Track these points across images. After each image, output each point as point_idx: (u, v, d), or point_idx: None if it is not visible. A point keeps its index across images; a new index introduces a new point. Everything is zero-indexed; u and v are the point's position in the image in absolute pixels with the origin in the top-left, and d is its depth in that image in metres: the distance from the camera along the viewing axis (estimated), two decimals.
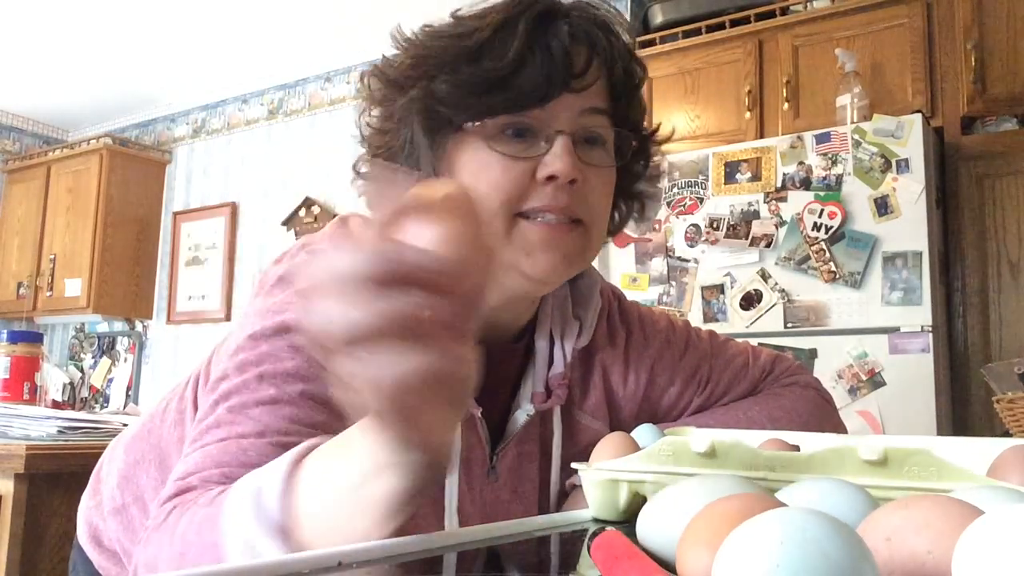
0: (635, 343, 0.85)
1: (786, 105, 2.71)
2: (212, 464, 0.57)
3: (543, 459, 0.79)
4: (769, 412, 0.83)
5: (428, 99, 0.69)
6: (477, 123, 0.68)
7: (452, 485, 0.71)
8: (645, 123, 0.81)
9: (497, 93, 0.68)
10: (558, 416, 0.79)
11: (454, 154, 0.70)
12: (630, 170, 0.79)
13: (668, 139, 0.82)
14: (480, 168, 0.69)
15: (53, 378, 4.51)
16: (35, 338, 2.60)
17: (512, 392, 0.78)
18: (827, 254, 2.33)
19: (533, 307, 0.80)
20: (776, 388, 0.88)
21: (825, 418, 0.87)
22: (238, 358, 0.64)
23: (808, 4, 2.79)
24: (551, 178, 0.67)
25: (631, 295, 0.96)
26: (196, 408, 0.81)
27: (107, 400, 4.84)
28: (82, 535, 0.89)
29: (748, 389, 0.87)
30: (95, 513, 0.88)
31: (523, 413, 0.76)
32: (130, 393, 4.77)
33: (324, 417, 0.61)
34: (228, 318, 4.43)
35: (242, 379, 0.62)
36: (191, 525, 0.52)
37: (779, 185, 2.43)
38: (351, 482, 0.43)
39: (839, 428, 0.88)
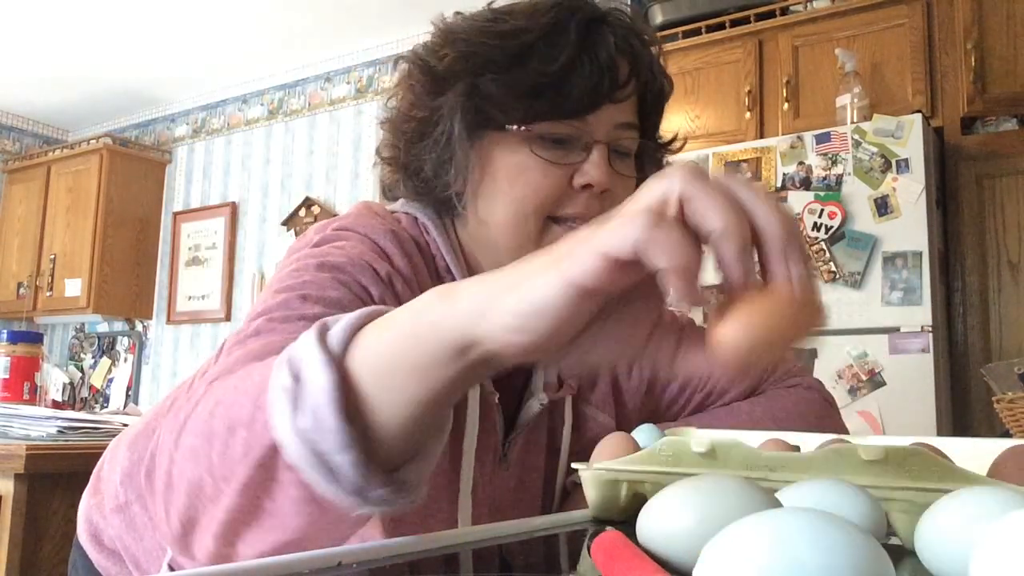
0: None
1: (786, 105, 2.71)
2: (254, 358, 0.54)
3: (550, 449, 0.80)
4: (772, 413, 0.83)
5: (474, 96, 0.70)
6: (519, 126, 0.70)
7: (468, 469, 0.71)
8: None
9: (545, 98, 0.69)
10: (569, 407, 0.80)
11: (491, 152, 0.72)
12: (646, 176, 0.80)
13: (680, 149, 0.83)
14: (519, 171, 0.70)
15: (53, 378, 4.51)
16: (35, 338, 2.61)
17: (524, 382, 0.79)
18: (827, 254, 2.33)
19: None
20: (779, 389, 0.88)
21: (828, 419, 0.87)
22: (279, 285, 0.63)
23: (808, 4, 2.79)
24: (587, 186, 0.70)
25: None
26: None
27: (107, 400, 4.84)
28: (82, 534, 0.89)
29: (750, 388, 0.88)
30: (95, 511, 0.88)
31: (536, 402, 0.77)
32: (130, 393, 4.77)
33: None
34: (228, 318, 4.43)
35: (283, 298, 0.61)
36: (233, 379, 0.49)
37: (779, 185, 2.43)
38: (420, 332, 0.41)
39: (841, 430, 0.89)
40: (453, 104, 0.71)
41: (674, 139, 0.82)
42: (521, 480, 0.78)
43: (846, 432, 0.87)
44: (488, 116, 0.70)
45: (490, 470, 0.75)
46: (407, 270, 0.69)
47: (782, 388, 0.88)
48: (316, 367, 0.41)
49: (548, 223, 0.71)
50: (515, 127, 0.70)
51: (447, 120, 0.72)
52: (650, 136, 0.77)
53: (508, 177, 0.71)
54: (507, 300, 0.37)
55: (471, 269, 0.76)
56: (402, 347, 0.41)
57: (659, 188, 0.37)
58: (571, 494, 0.80)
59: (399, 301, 0.67)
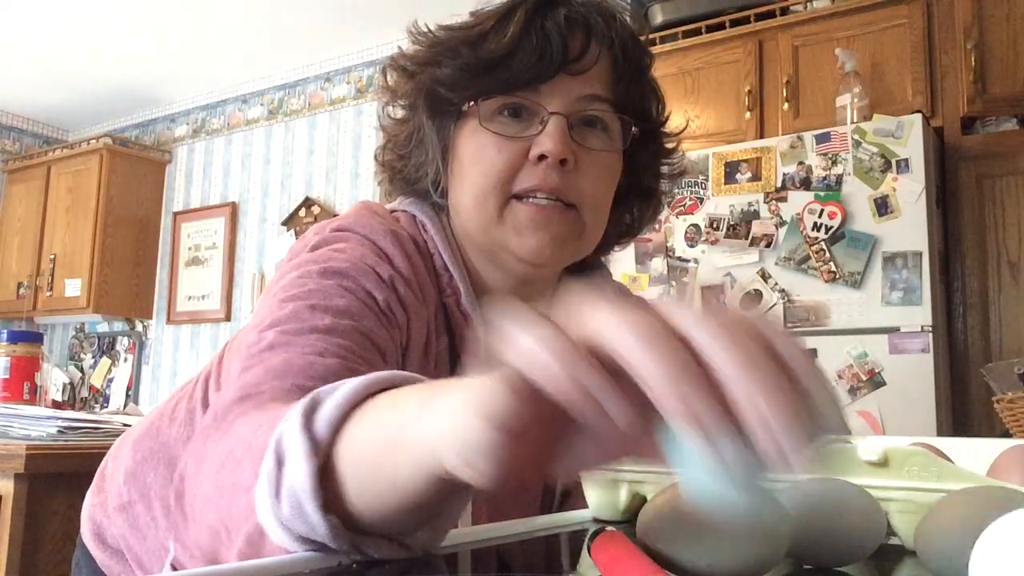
0: None
1: (786, 105, 2.71)
2: (276, 377, 0.54)
3: None
4: None
5: (432, 83, 0.72)
6: (473, 103, 0.71)
7: None
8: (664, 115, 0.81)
9: (492, 74, 0.70)
10: None
11: (456, 139, 0.73)
12: (639, 160, 0.79)
13: (681, 131, 0.82)
14: (476, 149, 0.71)
15: (53, 378, 4.51)
16: (35, 338, 2.60)
17: None
18: (827, 254, 2.33)
19: (549, 293, 0.81)
20: None
21: None
22: (284, 294, 0.62)
23: (808, 4, 2.79)
24: (542, 157, 0.69)
25: None
26: (206, 408, 0.81)
27: (107, 400, 4.84)
28: (85, 532, 0.89)
29: None
30: (99, 510, 0.88)
31: None
32: (130, 393, 4.77)
33: (374, 356, 0.61)
34: (228, 318, 4.43)
35: (292, 309, 0.61)
36: (250, 425, 0.49)
37: (779, 185, 2.43)
38: (402, 435, 0.36)
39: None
40: (416, 94, 0.74)
41: (667, 117, 0.81)
42: (522, 481, 0.77)
43: (848, 433, 0.87)
44: (447, 100, 0.72)
45: None
46: (407, 271, 0.69)
47: None
48: (298, 455, 0.39)
49: (509, 201, 0.71)
50: (468, 105, 0.71)
51: (416, 113, 0.75)
52: (631, 110, 0.75)
53: (469, 159, 0.72)
54: (452, 437, 0.32)
55: (467, 265, 0.76)
56: (380, 455, 0.37)
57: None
58: (571, 494, 0.80)
59: (402, 303, 0.67)
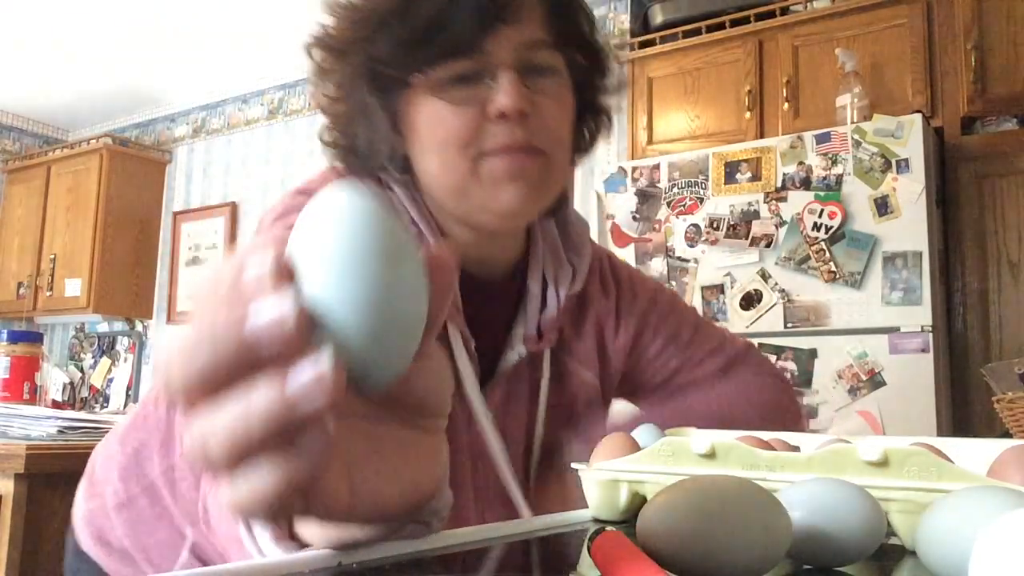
0: (625, 297, 0.88)
1: (786, 105, 2.71)
2: None
3: (532, 401, 0.80)
4: (748, 397, 0.86)
5: (369, 61, 0.69)
6: (420, 75, 0.68)
7: (480, 407, 0.73)
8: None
9: (431, 42, 0.67)
10: (547, 359, 0.81)
11: (407, 111, 0.71)
12: (589, 85, 0.78)
13: (622, 46, 0.81)
14: (431, 116, 0.69)
15: (53, 378, 4.51)
16: (35, 338, 2.61)
17: (505, 331, 0.80)
18: (827, 254, 2.33)
19: (520, 242, 0.81)
20: (749, 374, 0.91)
21: (788, 415, 0.89)
22: None
23: (808, 4, 2.79)
24: (502, 115, 0.67)
25: None
26: None
27: (107, 400, 4.84)
28: (86, 539, 0.86)
29: (722, 365, 0.89)
30: (99, 514, 0.86)
31: (515, 353, 0.78)
32: (130, 393, 4.77)
33: None
34: None
35: None
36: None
37: (779, 185, 2.43)
38: None
39: (798, 421, 0.91)
40: (354, 75, 0.71)
41: (604, 37, 0.78)
42: (504, 430, 0.78)
43: (804, 426, 0.89)
44: (390, 77, 0.69)
45: (468, 417, 0.76)
46: None
47: (752, 374, 0.90)
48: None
49: (480, 156, 0.68)
50: (415, 78, 0.68)
51: (357, 91, 0.71)
52: (572, 41, 0.73)
53: (427, 129, 0.69)
54: None
55: (435, 222, 0.75)
56: None
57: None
58: (554, 451, 0.80)
59: None
